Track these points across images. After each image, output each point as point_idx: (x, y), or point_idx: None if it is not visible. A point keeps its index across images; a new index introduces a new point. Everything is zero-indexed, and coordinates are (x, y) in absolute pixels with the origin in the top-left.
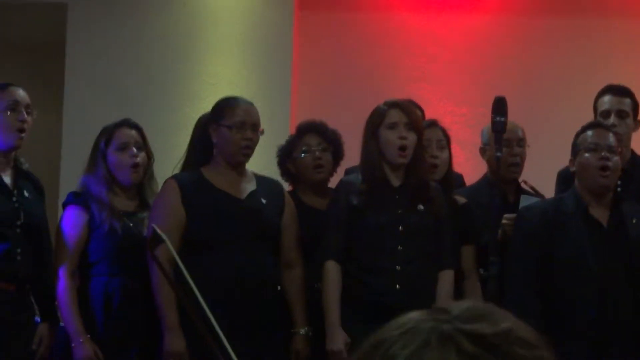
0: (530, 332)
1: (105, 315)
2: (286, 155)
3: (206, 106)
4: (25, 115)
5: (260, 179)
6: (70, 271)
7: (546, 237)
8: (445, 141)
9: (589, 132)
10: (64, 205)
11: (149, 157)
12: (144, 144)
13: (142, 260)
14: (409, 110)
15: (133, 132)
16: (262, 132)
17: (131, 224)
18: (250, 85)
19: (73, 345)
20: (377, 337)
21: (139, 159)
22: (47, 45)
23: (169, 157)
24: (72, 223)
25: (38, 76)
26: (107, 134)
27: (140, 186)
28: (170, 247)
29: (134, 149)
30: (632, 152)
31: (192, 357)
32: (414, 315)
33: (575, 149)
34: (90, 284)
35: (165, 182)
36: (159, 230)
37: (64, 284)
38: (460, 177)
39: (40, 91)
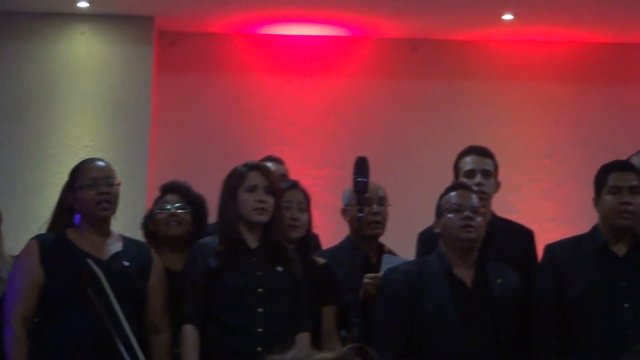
0: None
1: None
2: (149, 216)
3: (63, 169)
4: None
5: (128, 241)
6: None
7: (411, 297)
8: (306, 203)
9: (452, 194)
10: None
11: None
12: None
13: None
14: (269, 173)
15: None
16: (119, 184)
17: None
18: (108, 147)
19: None
20: None
21: None
22: None
23: (25, 218)
24: None
25: None
26: None
27: None
28: (103, 280)
29: None
30: (493, 213)
31: None
32: None
33: (440, 211)
34: None
35: (28, 242)
36: (94, 266)
37: None
38: (316, 238)
39: None
